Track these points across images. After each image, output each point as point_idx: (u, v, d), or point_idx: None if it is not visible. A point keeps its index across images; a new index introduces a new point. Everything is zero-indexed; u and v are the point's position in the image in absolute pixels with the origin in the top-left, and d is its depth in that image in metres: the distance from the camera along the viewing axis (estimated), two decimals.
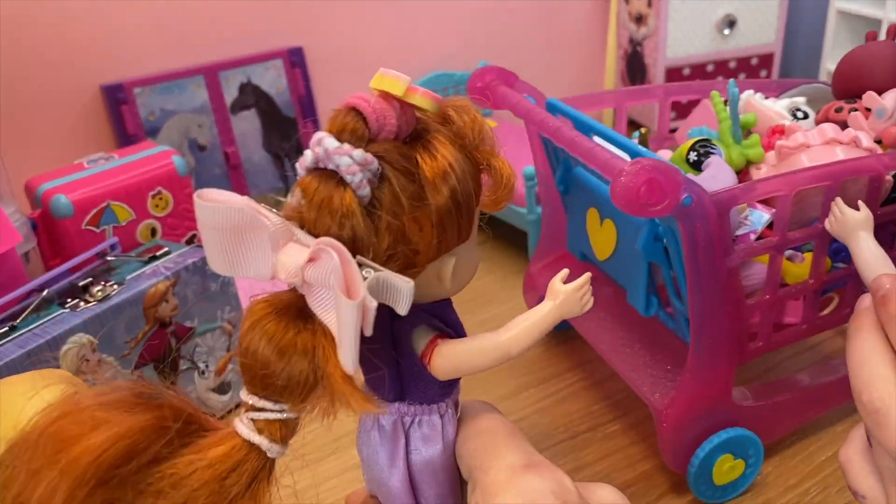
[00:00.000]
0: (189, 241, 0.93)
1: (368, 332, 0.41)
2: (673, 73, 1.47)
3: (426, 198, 0.46)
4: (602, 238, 0.72)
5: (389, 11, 1.37)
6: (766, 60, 1.52)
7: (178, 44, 1.22)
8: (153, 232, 0.89)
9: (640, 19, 1.48)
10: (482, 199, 0.52)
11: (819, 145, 0.67)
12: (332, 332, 0.41)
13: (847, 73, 0.77)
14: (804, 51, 1.64)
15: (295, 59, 1.27)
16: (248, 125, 1.27)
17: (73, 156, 1.18)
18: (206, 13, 1.22)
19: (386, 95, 0.46)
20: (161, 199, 0.88)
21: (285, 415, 0.42)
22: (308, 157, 0.46)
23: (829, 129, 0.68)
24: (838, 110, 0.74)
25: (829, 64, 1.49)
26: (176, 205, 0.90)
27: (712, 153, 0.71)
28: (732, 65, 1.50)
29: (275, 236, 0.43)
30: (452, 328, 0.54)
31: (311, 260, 0.42)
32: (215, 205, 0.40)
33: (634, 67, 1.54)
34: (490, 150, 0.51)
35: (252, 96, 1.26)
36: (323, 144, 0.44)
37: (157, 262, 0.81)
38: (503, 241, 1.17)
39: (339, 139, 0.45)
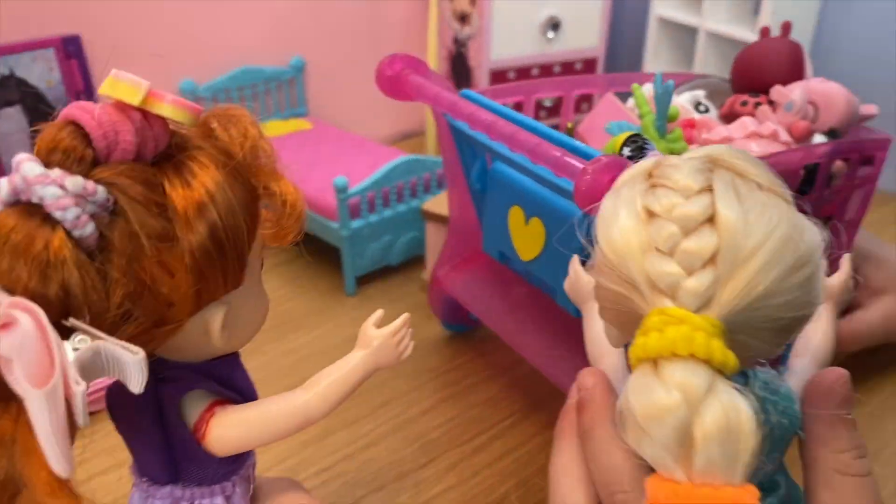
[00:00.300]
0: None
1: (82, 422, 0.31)
2: (498, 76, 1.41)
3: (176, 236, 0.34)
4: (527, 237, 0.69)
5: (185, 2, 1.22)
6: (590, 65, 1.50)
7: None
8: None
9: (463, 18, 1.41)
10: (262, 233, 0.42)
11: (741, 139, 0.68)
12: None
13: (747, 67, 0.80)
14: (626, 56, 1.64)
15: (71, 49, 1.09)
16: (11, 125, 1.08)
17: None
18: None
19: (121, 105, 0.36)
20: None
21: None
22: (3, 187, 0.34)
23: (750, 123, 0.69)
24: (744, 104, 0.76)
25: (650, 69, 1.49)
26: None
27: (647, 149, 0.65)
28: (557, 69, 1.47)
29: None
30: (237, 391, 0.45)
31: (2, 327, 0.31)
32: None
33: (459, 69, 1.47)
34: (269, 170, 0.41)
35: (16, 91, 1.07)
36: (21, 170, 0.33)
37: None
38: (314, 259, 1.06)
39: (48, 162, 0.34)
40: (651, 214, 0.33)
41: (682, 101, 0.79)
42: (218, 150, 0.39)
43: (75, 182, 0.33)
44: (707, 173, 0.33)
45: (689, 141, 0.73)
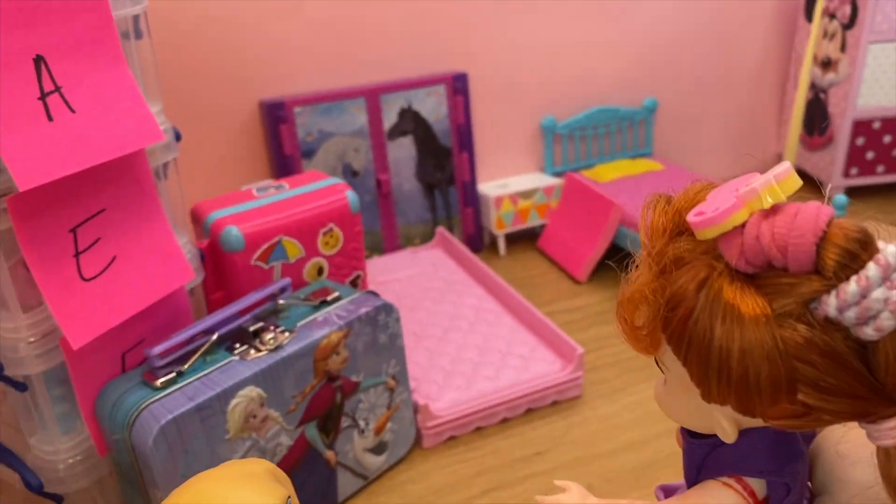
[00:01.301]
0: (353, 283, 0.87)
1: None
2: (862, 126, 1.33)
3: None
4: None
5: (557, 39, 1.29)
6: None
7: (341, 63, 1.17)
8: (319, 271, 0.83)
9: (827, 64, 1.35)
10: None
11: None
12: None
13: None
14: None
15: (458, 86, 1.20)
16: (403, 152, 1.21)
17: (229, 175, 1.15)
18: (371, 33, 1.16)
19: None
20: (332, 236, 0.82)
21: None
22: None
23: None
24: None
25: None
26: (345, 243, 0.84)
27: None
28: None
29: None
30: None
31: None
32: None
33: (815, 114, 1.40)
34: None
35: (411, 122, 1.20)
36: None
37: (328, 309, 0.74)
38: None
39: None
40: None
41: None
42: None
43: None
44: None
45: None
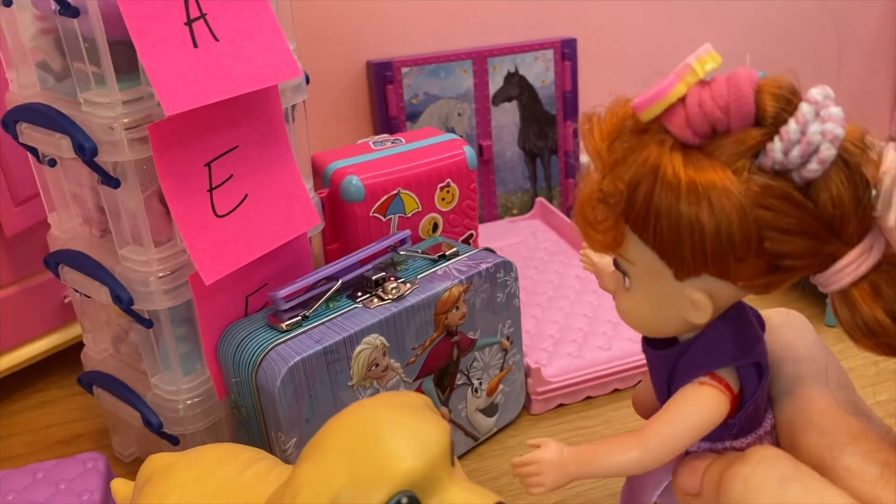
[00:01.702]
0: (466, 241, 0.85)
1: None
2: None
3: None
4: None
5: (669, 7, 1.24)
6: None
7: (449, 25, 1.15)
8: (434, 227, 0.81)
9: None
10: None
11: None
12: None
13: None
14: None
15: (567, 51, 1.16)
16: (507, 118, 1.18)
17: (333, 135, 1.14)
18: None
19: None
20: (448, 192, 0.80)
21: None
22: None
23: None
24: None
25: None
26: (461, 200, 0.82)
27: None
28: None
29: None
30: None
31: None
32: None
33: None
34: None
35: (517, 87, 1.17)
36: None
37: (447, 263, 0.72)
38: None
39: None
40: None
41: None
42: None
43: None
44: None
45: None
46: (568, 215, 1.23)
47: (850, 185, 0.34)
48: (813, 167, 0.33)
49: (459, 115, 1.15)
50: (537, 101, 1.18)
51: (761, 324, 0.44)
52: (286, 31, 0.63)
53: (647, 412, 0.50)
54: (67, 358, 0.89)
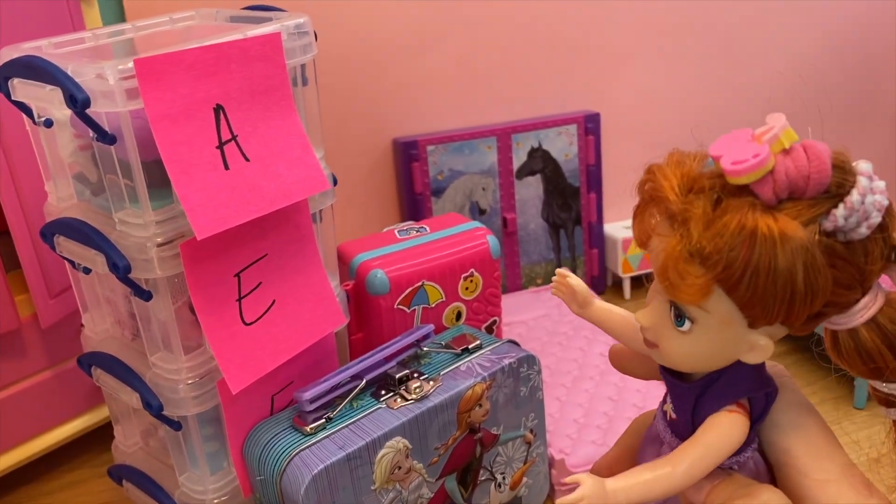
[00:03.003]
0: (489, 329, 0.85)
1: None
2: None
3: None
4: None
5: (689, 75, 1.25)
6: None
7: (473, 102, 1.16)
8: (458, 315, 0.82)
9: None
10: None
11: None
12: None
13: None
14: None
15: (590, 126, 1.18)
16: (530, 191, 1.19)
17: (358, 212, 1.16)
18: (504, 72, 1.16)
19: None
20: (472, 281, 0.81)
21: None
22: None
23: None
24: None
25: None
26: (484, 288, 0.82)
27: None
28: None
29: None
30: None
31: None
32: None
33: None
34: None
35: (540, 161, 1.18)
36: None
37: (470, 357, 0.73)
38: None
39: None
40: None
41: None
42: None
43: None
44: None
45: None
46: (591, 285, 1.23)
47: (884, 244, 0.39)
48: (862, 231, 0.38)
49: (483, 189, 1.16)
50: (560, 174, 1.20)
51: None
52: (315, 139, 0.65)
53: (624, 365, 0.54)
54: (98, 437, 0.91)
